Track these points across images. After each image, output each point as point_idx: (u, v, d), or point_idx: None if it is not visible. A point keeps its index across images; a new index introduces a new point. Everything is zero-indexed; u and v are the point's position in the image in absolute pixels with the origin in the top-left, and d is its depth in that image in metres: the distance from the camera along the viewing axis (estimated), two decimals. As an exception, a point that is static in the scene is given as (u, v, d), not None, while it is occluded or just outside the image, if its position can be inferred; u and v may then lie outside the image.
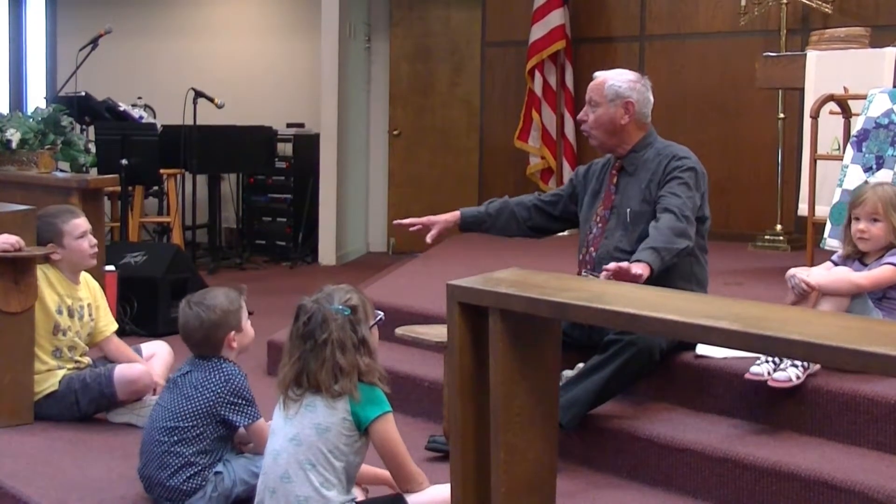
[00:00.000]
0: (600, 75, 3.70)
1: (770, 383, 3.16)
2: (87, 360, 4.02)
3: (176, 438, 3.01)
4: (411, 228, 3.78)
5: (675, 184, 3.49)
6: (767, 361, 3.23)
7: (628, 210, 3.58)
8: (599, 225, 3.65)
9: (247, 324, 3.21)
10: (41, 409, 3.86)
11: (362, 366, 2.72)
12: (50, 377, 3.88)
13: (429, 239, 3.78)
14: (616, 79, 3.64)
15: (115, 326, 4.15)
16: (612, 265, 3.18)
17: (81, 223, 3.99)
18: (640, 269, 3.19)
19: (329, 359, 2.69)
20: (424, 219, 3.80)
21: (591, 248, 3.63)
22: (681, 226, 3.39)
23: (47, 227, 3.96)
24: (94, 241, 4.03)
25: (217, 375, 3.06)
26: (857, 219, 3.43)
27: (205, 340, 3.10)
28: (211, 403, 3.03)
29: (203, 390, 3.04)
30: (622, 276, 3.12)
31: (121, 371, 3.87)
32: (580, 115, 3.74)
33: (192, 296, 3.17)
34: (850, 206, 3.51)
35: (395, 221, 3.87)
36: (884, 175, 4.05)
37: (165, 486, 3.01)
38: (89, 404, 3.87)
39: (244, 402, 3.06)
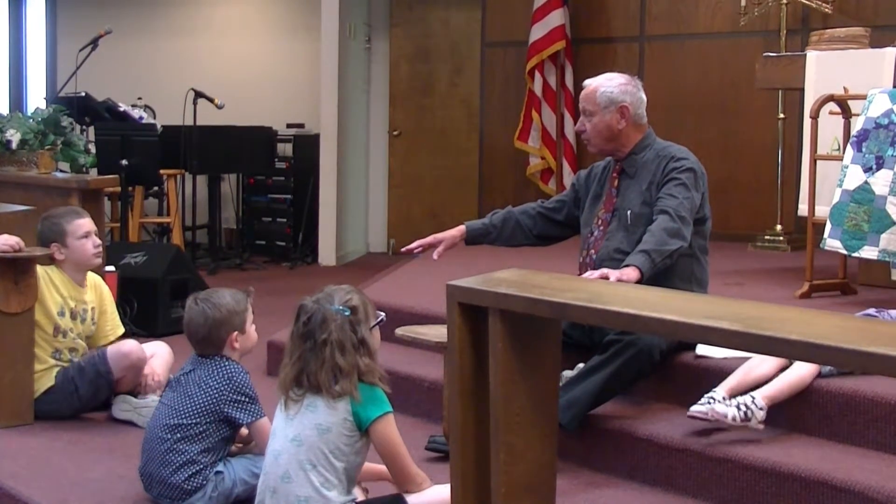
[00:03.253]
0: (590, 83, 3.68)
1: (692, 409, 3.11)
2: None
3: (179, 436, 3.02)
4: (416, 252, 3.75)
5: (673, 185, 3.49)
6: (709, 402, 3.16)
7: (629, 212, 3.58)
8: (601, 227, 3.65)
9: (251, 328, 3.21)
10: (41, 407, 3.86)
11: (362, 366, 2.72)
12: (47, 373, 3.88)
13: (435, 256, 3.75)
14: (606, 85, 3.63)
15: (122, 331, 4.15)
16: (591, 273, 3.23)
17: (85, 223, 3.99)
18: (624, 275, 3.20)
19: (328, 359, 2.69)
20: (429, 238, 3.77)
21: (592, 251, 3.63)
22: (675, 226, 3.39)
23: (51, 226, 3.96)
24: (98, 241, 4.02)
25: (220, 373, 3.07)
26: None
27: (207, 338, 3.11)
28: (214, 401, 3.03)
29: (206, 388, 3.05)
30: None
31: (114, 347, 3.89)
32: (577, 127, 3.74)
33: (199, 293, 3.20)
34: None
35: (402, 249, 3.83)
36: (884, 175, 4.05)
37: (167, 484, 3.01)
38: (88, 387, 3.86)
39: (247, 400, 3.06)
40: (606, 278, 3.15)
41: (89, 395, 3.89)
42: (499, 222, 3.84)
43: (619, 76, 3.68)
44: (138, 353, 3.90)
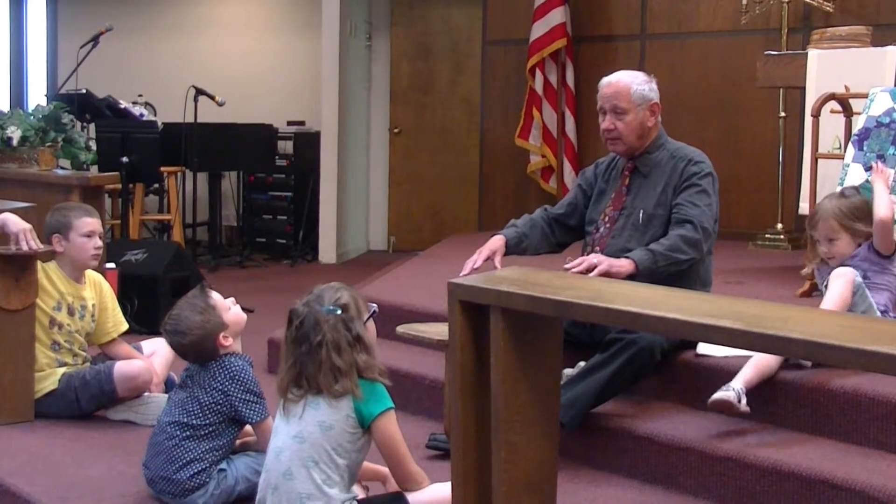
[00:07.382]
0: (615, 81, 3.61)
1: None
2: (84, 353, 4.02)
3: (188, 433, 3.02)
4: (475, 268, 3.50)
5: (694, 192, 3.48)
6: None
7: (641, 212, 3.56)
8: (607, 225, 3.63)
9: (229, 312, 3.15)
10: (41, 408, 3.86)
11: (360, 363, 2.71)
12: (50, 375, 3.87)
13: (498, 265, 3.55)
14: (635, 82, 3.60)
15: (125, 327, 4.13)
16: (577, 260, 3.26)
17: (92, 223, 3.99)
18: (615, 266, 3.21)
19: (326, 361, 2.67)
20: (485, 252, 3.59)
21: (597, 248, 3.60)
22: (695, 237, 3.40)
23: (59, 217, 3.97)
24: (100, 244, 4.01)
25: (223, 373, 3.06)
26: (818, 241, 3.51)
27: (199, 357, 3.11)
28: (222, 400, 3.04)
29: (210, 390, 3.05)
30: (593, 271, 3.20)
31: (120, 368, 3.87)
32: (605, 125, 3.61)
33: (166, 323, 3.11)
34: (808, 225, 3.56)
35: (461, 274, 3.34)
36: (885, 174, 4.05)
37: (170, 480, 3.01)
38: (89, 402, 3.87)
39: (254, 399, 3.06)
40: (593, 267, 3.20)
41: (90, 408, 3.90)
42: (527, 229, 3.76)
43: (638, 73, 3.66)
44: (145, 377, 3.88)
